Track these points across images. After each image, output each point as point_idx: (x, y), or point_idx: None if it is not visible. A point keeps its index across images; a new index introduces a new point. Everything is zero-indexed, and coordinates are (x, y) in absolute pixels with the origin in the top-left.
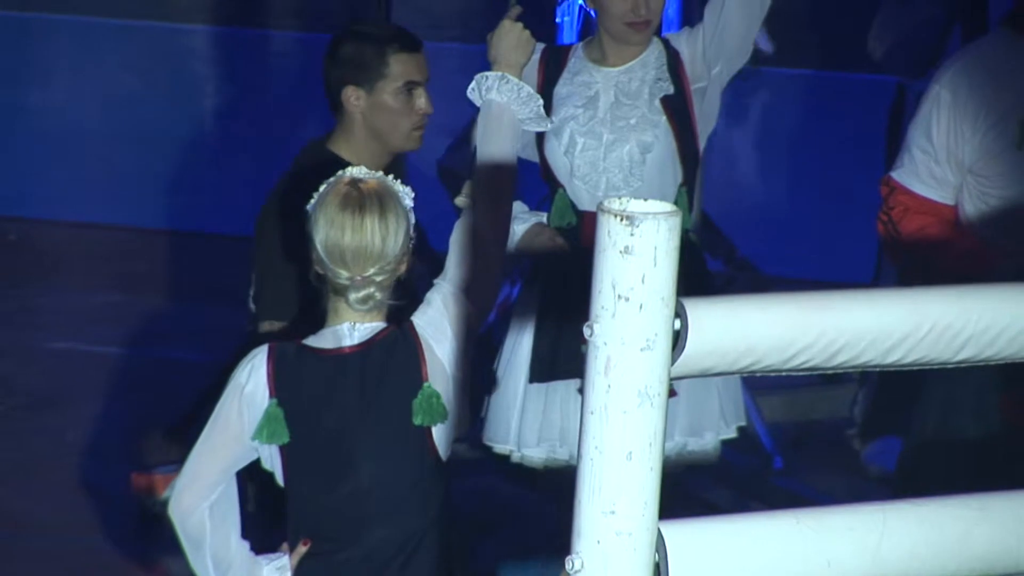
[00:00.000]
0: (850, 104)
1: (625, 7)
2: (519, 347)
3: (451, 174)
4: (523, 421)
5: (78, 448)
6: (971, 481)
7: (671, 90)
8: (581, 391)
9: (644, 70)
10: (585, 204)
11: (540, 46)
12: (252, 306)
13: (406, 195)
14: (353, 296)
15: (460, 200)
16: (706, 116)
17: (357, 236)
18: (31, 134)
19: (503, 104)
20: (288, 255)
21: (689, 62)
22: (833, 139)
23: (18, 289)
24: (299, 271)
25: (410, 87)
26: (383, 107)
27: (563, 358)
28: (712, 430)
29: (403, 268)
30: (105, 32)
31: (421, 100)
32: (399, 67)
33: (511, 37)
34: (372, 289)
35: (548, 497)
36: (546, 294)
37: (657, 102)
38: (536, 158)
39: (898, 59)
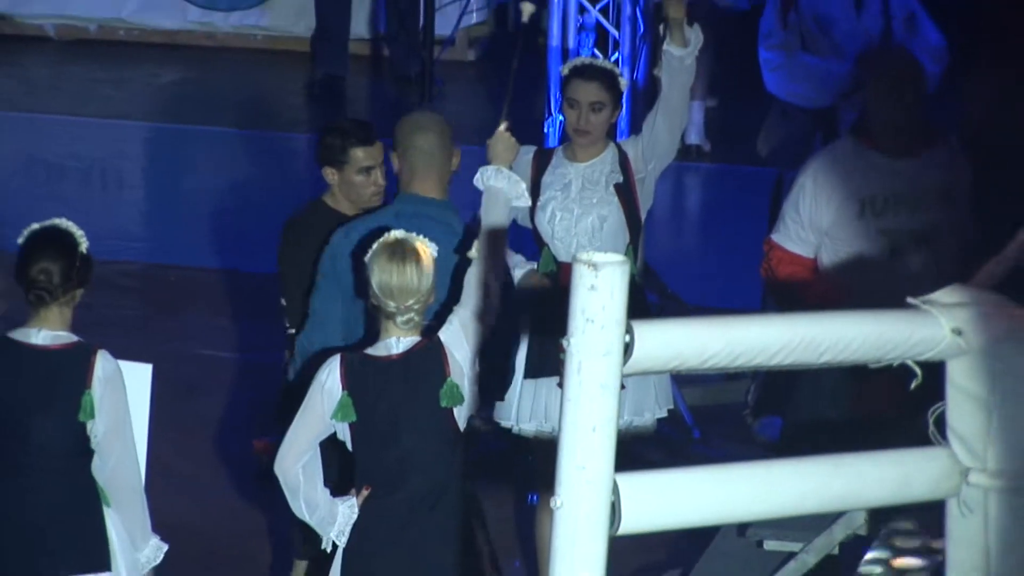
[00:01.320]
0: (745, 187)
1: (572, 120)
2: (517, 356)
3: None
4: (520, 404)
5: (215, 422)
6: (829, 446)
7: (621, 179)
8: (560, 384)
9: (603, 165)
10: (562, 257)
11: (533, 148)
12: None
13: (432, 248)
14: (399, 319)
15: (471, 253)
16: (646, 197)
17: (401, 278)
18: (185, 209)
19: (499, 188)
20: (300, 274)
21: (633, 160)
22: (733, 211)
23: (174, 313)
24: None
25: (367, 169)
26: (350, 183)
27: (548, 362)
28: (650, 411)
29: (431, 299)
30: (223, 138)
31: (374, 176)
32: (357, 156)
33: (503, 142)
34: (412, 314)
35: (536, 455)
36: (535, 322)
37: (612, 187)
38: (530, 225)
39: (777, 156)
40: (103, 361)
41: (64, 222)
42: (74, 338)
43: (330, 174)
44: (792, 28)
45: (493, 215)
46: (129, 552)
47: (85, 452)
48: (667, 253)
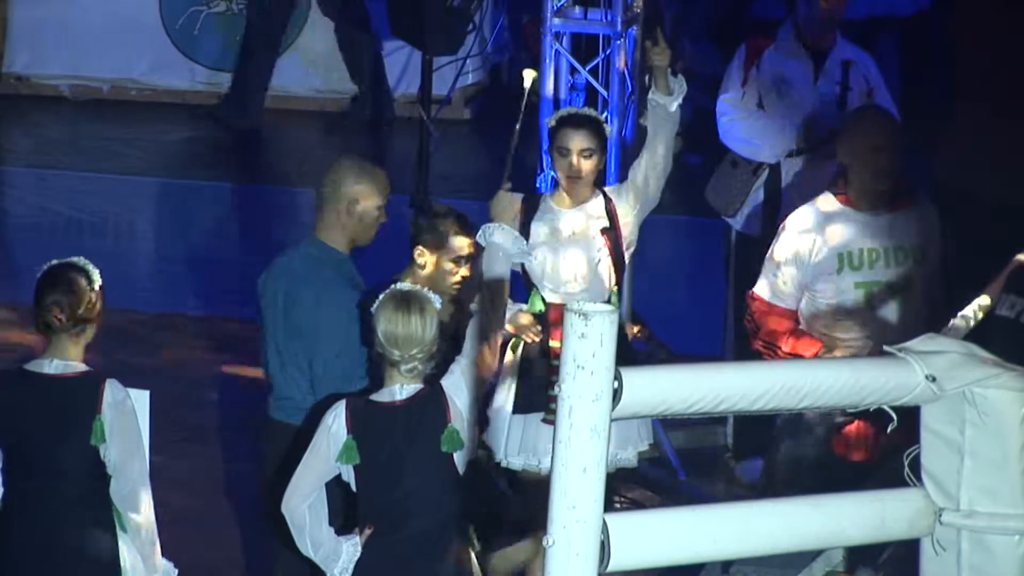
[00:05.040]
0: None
1: (564, 167)
2: (506, 392)
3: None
4: (509, 439)
5: (222, 465)
6: (809, 486)
7: (607, 224)
8: (546, 421)
9: (590, 210)
10: (550, 298)
11: (520, 195)
12: None
13: (436, 300)
14: (403, 368)
15: (473, 305)
16: (630, 240)
17: (406, 329)
18: (194, 259)
19: (500, 244)
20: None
21: (619, 205)
22: (711, 262)
23: (183, 360)
24: None
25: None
26: (441, 269)
27: (535, 398)
28: (633, 445)
29: (435, 348)
30: (230, 192)
31: (463, 268)
32: (457, 244)
33: (504, 201)
34: (415, 363)
35: (522, 488)
36: (524, 359)
37: (598, 231)
38: (519, 268)
39: (724, 205)
40: (112, 388)
41: (81, 260)
42: (84, 367)
43: (419, 254)
44: (751, 84)
45: (494, 269)
46: None
47: (102, 477)
48: (655, 304)
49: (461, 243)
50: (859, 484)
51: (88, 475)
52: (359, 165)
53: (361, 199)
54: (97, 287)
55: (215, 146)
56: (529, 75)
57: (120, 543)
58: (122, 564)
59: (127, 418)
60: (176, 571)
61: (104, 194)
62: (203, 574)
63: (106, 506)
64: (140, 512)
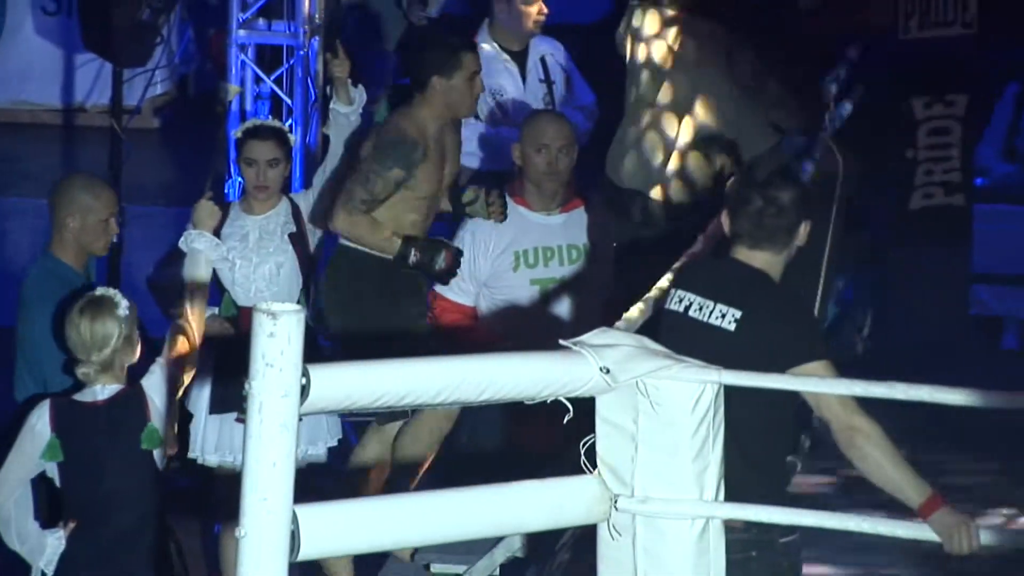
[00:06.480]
0: None
1: (251, 178)
2: (202, 393)
3: (157, 287)
4: (205, 438)
5: None
6: (489, 475)
7: (294, 229)
8: (239, 420)
9: (278, 217)
10: (242, 302)
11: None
12: None
13: (125, 308)
14: (92, 369)
15: (173, 312)
16: (316, 245)
17: (99, 331)
18: None
19: (201, 250)
20: None
21: (305, 211)
22: None
23: None
24: None
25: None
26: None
27: (230, 398)
28: (323, 440)
29: (128, 351)
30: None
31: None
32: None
33: (206, 209)
34: (98, 367)
35: (220, 486)
36: (218, 361)
37: (286, 236)
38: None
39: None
40: None
41: None
42: None
43: (438, 83)
44: None
45: (195, 274)
46: None
47: None
48: None
49: (473, 58)
50: (538, 473)
51: None
52: (76, 182)
53: (78, 214)
54: None
55: None
56: (233, 90)
57: None
58: None
59: None
60: None
61: None
62: None
63: None
64: None
